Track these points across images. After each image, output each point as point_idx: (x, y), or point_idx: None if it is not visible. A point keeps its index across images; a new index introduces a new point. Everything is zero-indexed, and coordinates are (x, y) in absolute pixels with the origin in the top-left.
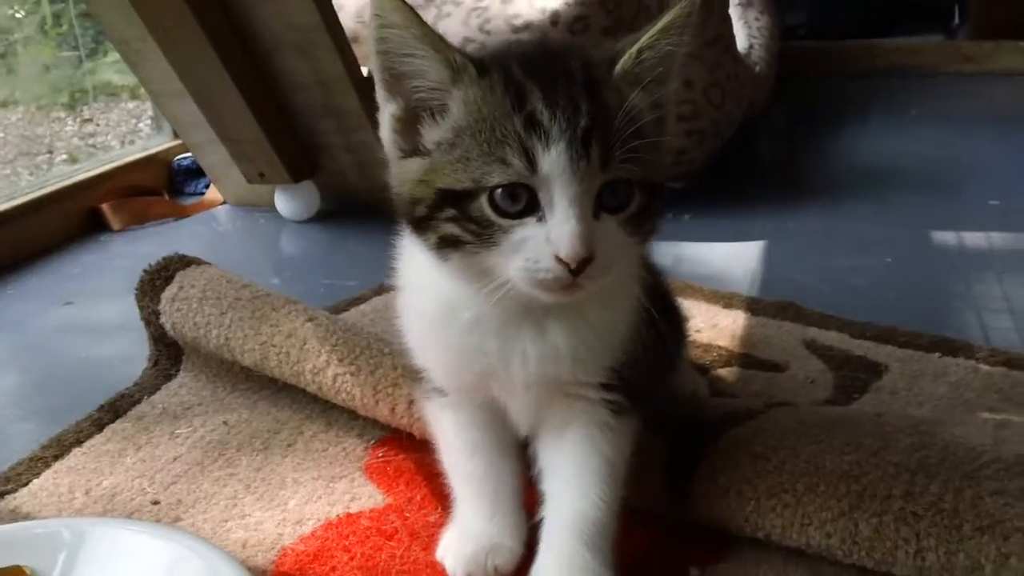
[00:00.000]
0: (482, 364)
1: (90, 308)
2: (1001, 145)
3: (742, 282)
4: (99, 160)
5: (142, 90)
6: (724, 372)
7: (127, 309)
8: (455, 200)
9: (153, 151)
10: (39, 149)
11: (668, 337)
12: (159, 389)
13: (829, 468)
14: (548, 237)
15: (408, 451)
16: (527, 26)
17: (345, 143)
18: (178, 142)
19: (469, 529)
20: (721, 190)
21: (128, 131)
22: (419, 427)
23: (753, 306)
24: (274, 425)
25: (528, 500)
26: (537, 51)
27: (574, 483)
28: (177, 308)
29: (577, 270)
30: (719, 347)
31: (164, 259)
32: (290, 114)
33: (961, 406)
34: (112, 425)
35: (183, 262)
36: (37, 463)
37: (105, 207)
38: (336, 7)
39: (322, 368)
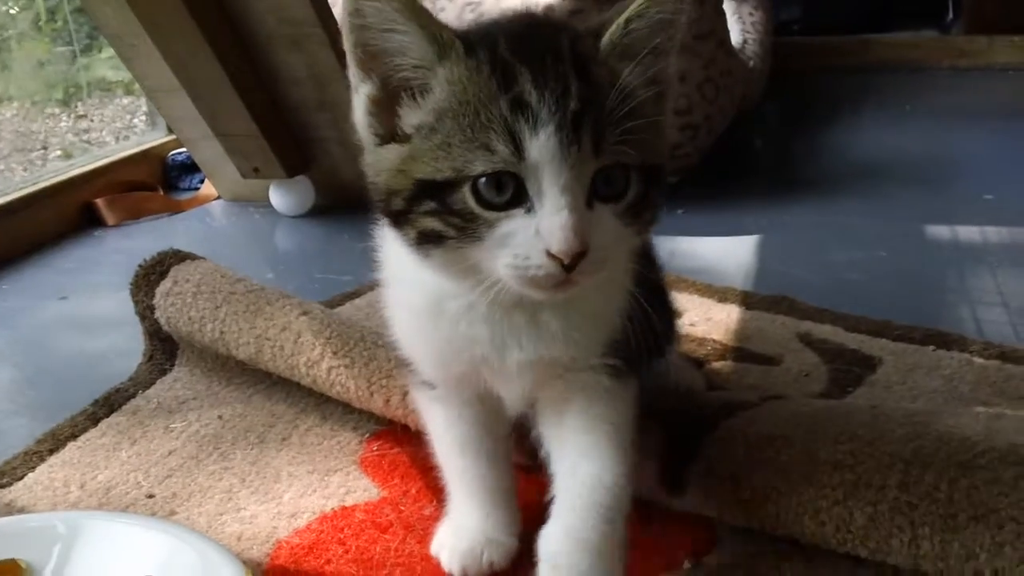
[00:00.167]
0: (473, 353)
1: (85, 303)
2: (995, 140)
3: (736, 276)
4: (94, 156)
5: (136, 86)
6: (718, 366)
7: (122, 304)
8: (435, 191)
9: (148, 146)
10: (33, 145)
11: (658, 327)
12: (154, 383)
13: (824, 458)
14: (537, 230)
15: (403, 445)
16: None
17: (340, 137)
18: (173, 137)
19: (464, 524)
20: (715, 185)
21: (123, 127)
22: (414, 418)
23: (747, 300)
24: (269, 419)
25: (522, 491)
26: (524, 27)
27: (584, 456)
28: (172, 303)
29: (570, 265)
30: (713, 341)
31: (158, 254)
32: (284, 109)
33: (955, 399)
34: (107, 419)
35: (177, 257)
36: (32, 457)
37: (100, 202)
38: (330, 2)
39: (316, 361)
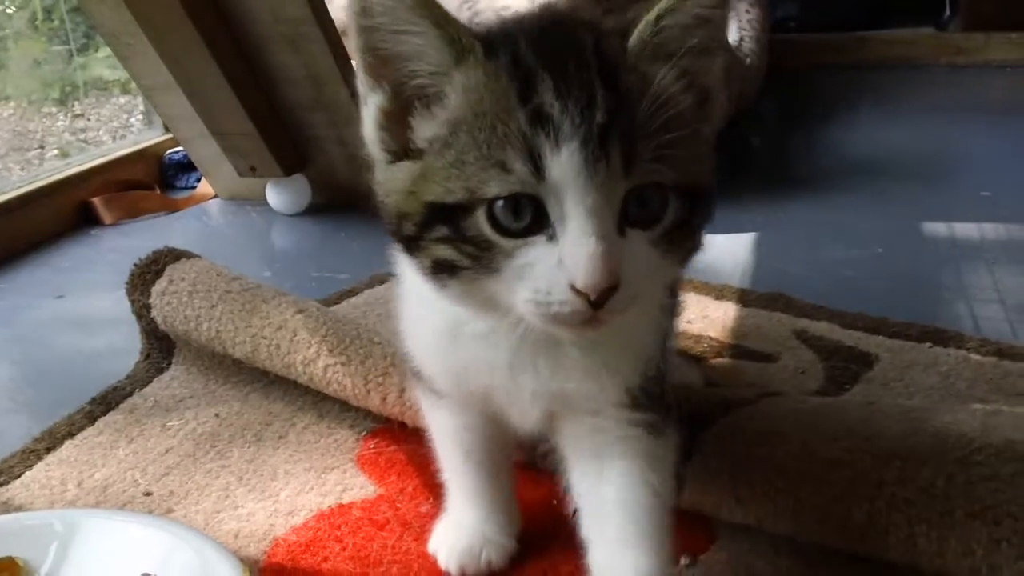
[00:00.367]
0: (490, 377)
1: (82, 301)
2: (992, 136)
3: (733, 273)
4: (90, 155)
5: (133, 85)
6: (715, 363)
7: (119, 302)
8: (447, 215)
9: (144, 145)
10: (30, 144)
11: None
12: (151, 382)
13: (821, 454)
14: (560, 260)
15: (400, 442)
16: None
17: (336, 136)
18: (169, 136)
19: (462, 523)
20: None
21: (119, 126)
22: (410, 415)
23: (744, 297)
24: (266, 417)
25: (522, 490)
26: (547, 27)
27: (623, 538)
28: (167, 301)
29: (598, 302)
30: (710, 338)
31: (154, 253)
32: (281, 108)
33: (952, 396)
34: (104, 418)
35: (173, 255)
36: (29, 455)
37: (97, 201)
38: (328, 1)
39: (312, 359)
